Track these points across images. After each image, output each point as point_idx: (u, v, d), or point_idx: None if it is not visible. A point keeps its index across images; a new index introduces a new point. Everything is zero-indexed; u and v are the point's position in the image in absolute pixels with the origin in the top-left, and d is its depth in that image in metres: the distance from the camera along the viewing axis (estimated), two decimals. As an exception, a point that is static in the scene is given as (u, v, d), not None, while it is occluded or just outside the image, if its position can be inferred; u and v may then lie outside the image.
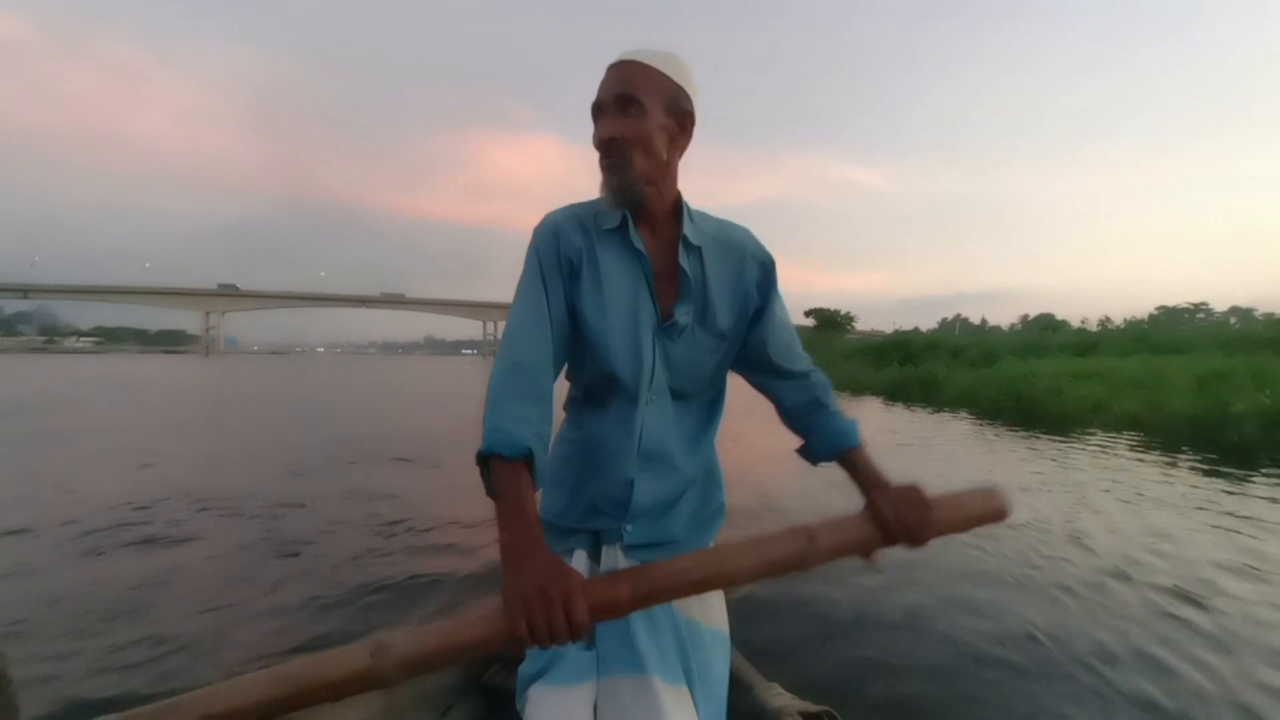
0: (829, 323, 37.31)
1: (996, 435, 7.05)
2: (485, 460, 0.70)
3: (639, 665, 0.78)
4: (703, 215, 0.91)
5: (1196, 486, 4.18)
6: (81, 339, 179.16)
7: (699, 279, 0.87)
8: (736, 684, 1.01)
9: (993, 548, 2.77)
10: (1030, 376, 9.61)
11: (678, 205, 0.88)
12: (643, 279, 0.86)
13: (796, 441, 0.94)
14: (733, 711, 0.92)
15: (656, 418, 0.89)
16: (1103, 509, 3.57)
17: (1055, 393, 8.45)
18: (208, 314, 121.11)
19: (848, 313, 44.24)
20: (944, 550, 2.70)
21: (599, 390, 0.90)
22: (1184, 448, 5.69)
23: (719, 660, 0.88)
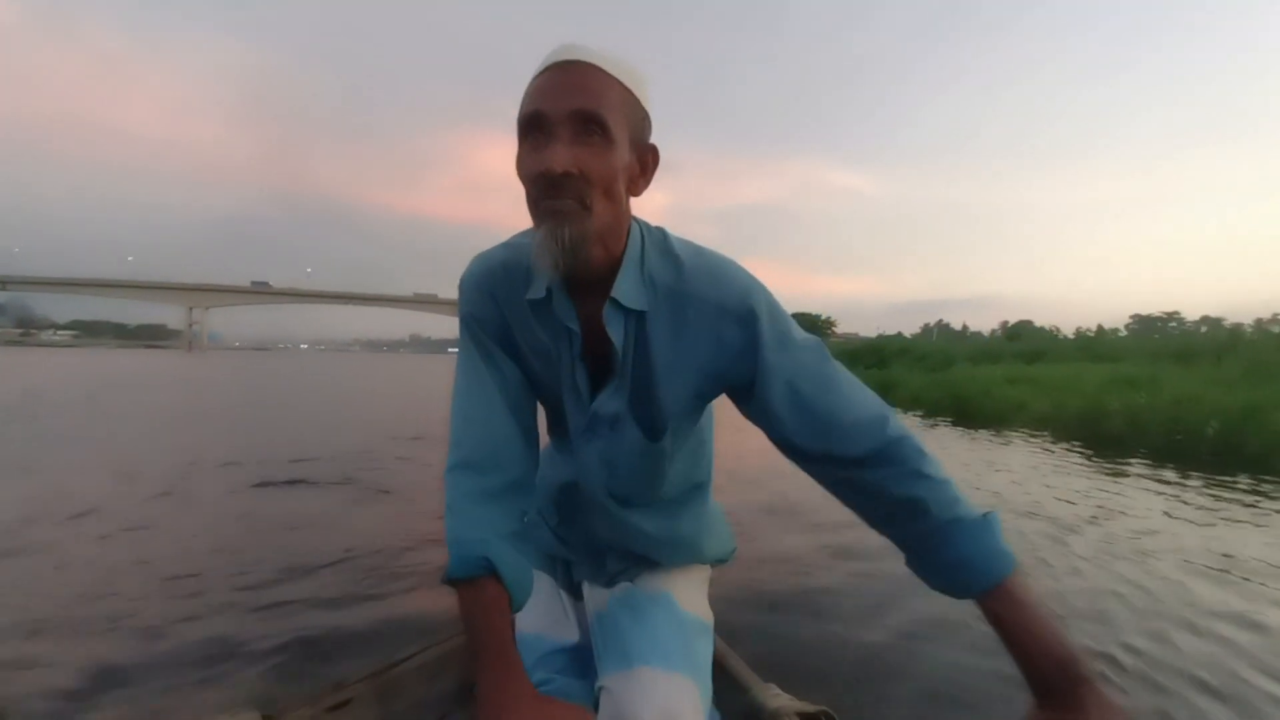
0: (809, 328, 38.92)
1: (933, 428, 8.15)
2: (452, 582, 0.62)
3: (635, 658, 0.72)
4: (668, 253, 0.68)
5: (1060, 464, 5.26)
6: (59, 332, 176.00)
7: (641, 353, 0.68)
8: (732, 684, 0.99)
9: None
10: (969, 380, 10.78)
11: (622, 257, 0.66)
12: (569, 360, 0.70)
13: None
14: (729, 712, 0.91)
15: (606, 522, 0.79)
16: (999, 479, 4.62)
17: (986, 395, 9.58)
18: (191, 309, 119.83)
19: (828, 317, 45.78)
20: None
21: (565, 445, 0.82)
22: (1074, 439, 6.81)
23: (704, 648, 0.82)
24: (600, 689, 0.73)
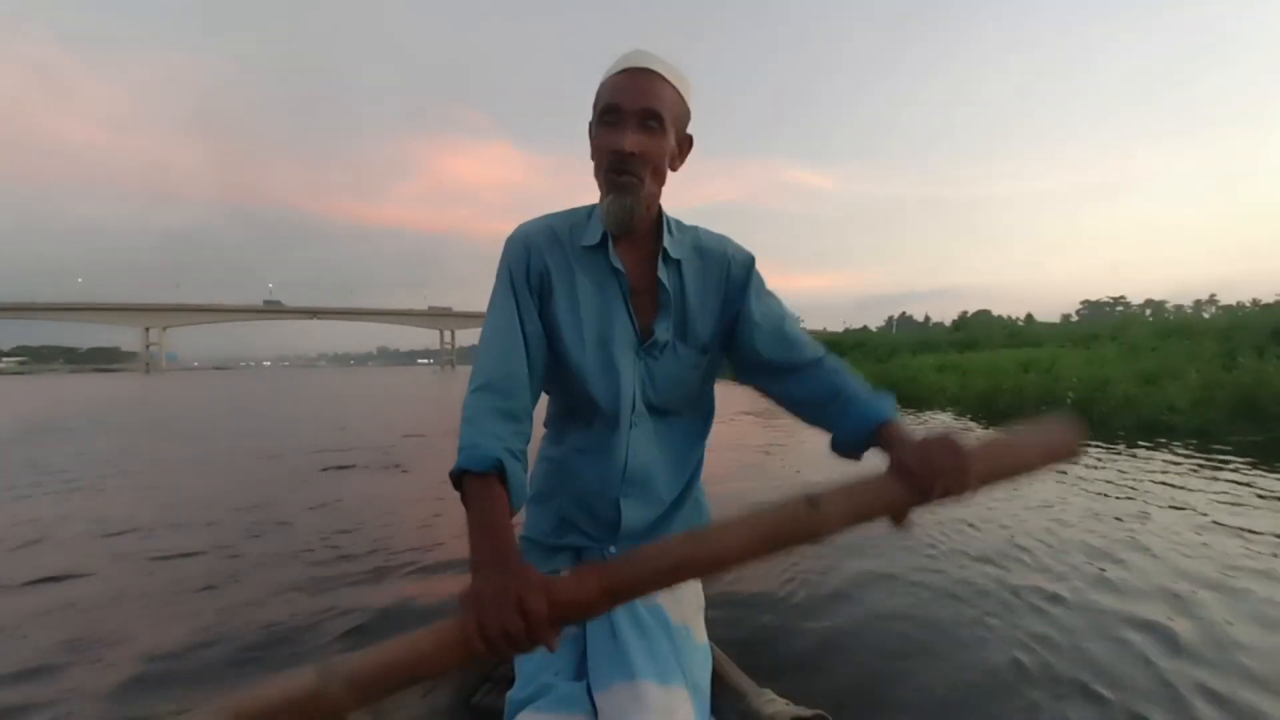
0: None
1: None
2: (459, 479, 0.70)
3: (632, 671, 0.75)
4: (681, 225, 0.90)
5: (961, 430, 6.48)
6: (3, 359, 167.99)
7: (678, 292, 0.86)
8: (728, 691, 1.01)
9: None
10: (903, 369, 12.20)
11: (658, 219, 0.87)
12: (620, 298, 0.85)
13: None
14: (726, 719, 0.93)
15: (641, 440, 0.87)
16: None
17: (913, 381, 10.97)
18: (147, 330, 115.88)
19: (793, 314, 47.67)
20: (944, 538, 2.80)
21: (580, 410, 0.89)
22: (975, 414, 8.16)
23: (702, 660, 0.87)
24: (600, 703, 0.75)
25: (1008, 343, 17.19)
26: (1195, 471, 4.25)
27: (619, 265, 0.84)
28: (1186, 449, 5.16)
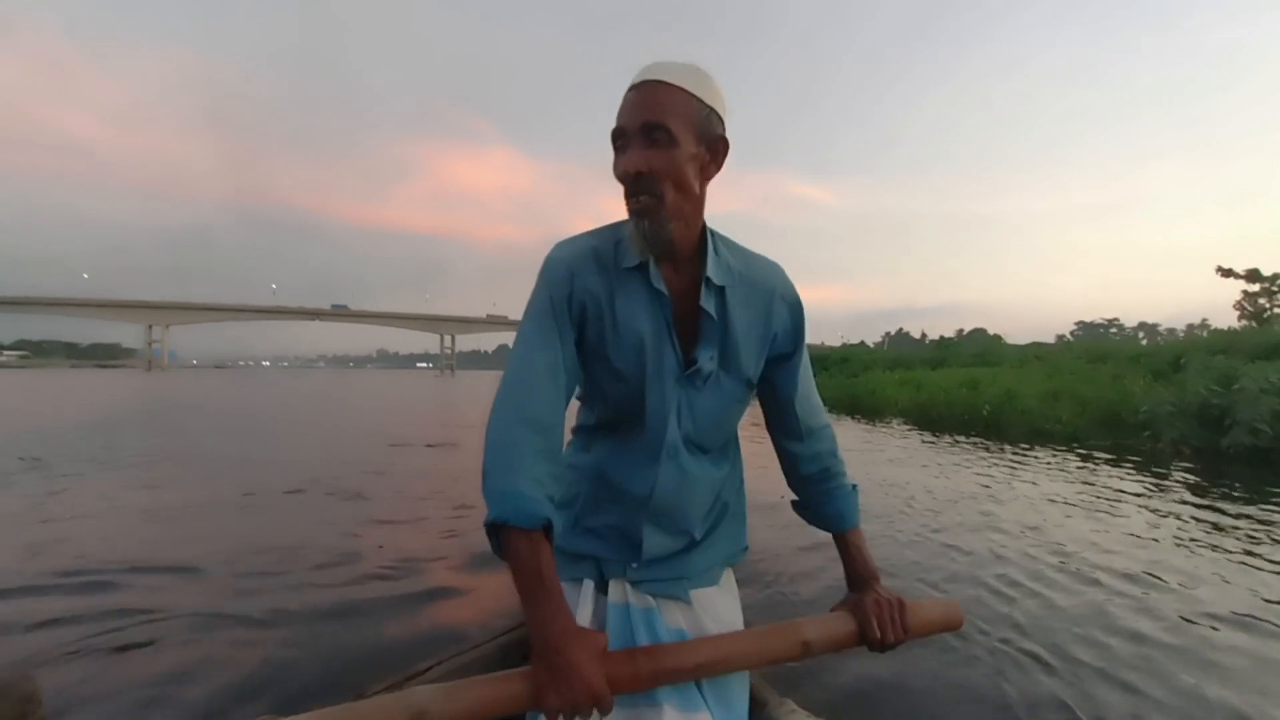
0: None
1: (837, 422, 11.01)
2: (497, 527, 0.69)
3: (651, 697, 0.75)
4: (730, 247, 0.87)
5: (899, 434, 8.01)
6: (5, 353, 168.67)
7: (723, 320, 0.84)
8: (750, 702, 1.01)
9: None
10: (864, 383, 13.80)
11: (703, 238, 0.83)
12: (664, 323, 0.82)
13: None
14: None
15: (673, 473, 0.86)
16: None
17: (871, 395, 12.57)
18: (150, 327, 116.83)
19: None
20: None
21: (613, 430, 0.89)
22: (914, 423, 9.72)
23: (737, 681, 0.85)
24: None
25: (972, 362, 18.73)
26: (1047, 463, 5.80)
27: (662, 288, 0.81)
28: (1055, 449, 6.69)
